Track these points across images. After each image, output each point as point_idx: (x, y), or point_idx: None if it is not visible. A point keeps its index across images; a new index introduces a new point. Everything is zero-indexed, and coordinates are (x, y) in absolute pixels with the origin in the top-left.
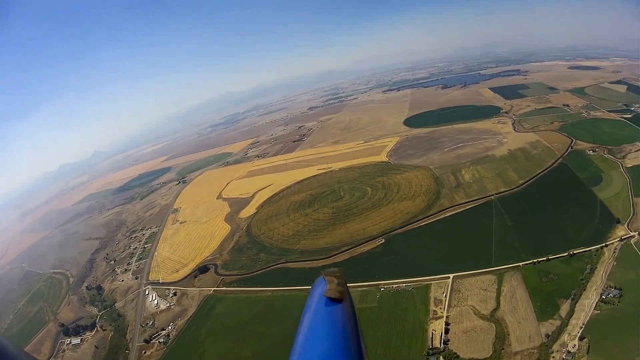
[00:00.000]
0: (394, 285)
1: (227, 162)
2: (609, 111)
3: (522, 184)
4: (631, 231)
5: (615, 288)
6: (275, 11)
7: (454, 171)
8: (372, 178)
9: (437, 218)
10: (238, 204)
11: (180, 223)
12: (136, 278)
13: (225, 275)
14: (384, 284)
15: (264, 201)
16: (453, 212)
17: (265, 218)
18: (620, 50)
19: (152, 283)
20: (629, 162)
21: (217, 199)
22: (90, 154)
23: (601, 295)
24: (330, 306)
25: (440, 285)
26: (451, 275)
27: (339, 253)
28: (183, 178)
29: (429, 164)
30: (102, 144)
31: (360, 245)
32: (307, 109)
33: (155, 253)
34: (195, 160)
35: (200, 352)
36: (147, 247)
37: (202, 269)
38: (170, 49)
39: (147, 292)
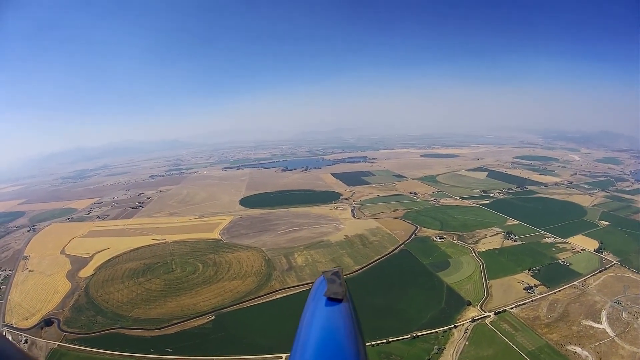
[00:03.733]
0: None
1: (72, 218)
2: (462, 198)
3: (358, 270)
4: (485, 312)
5: None
6: (129, 72)
7: (286, 254)
8: (204, 254)
9: (269, 299)
10: (79, 262)
11: (29, 271)
12: None
13: (67, 332)
14: None
15: (102, 264)
16: (285, 294)
17: (102, 281)
18: (485, 137)
19: (8, 326)
20: (482, 247)
21: (60, 253)
22: None
23: None
24: (330, 306)
25: None
26: (284, 355)
27: (170, 325)
28: (34, 226)
29: (261, 245)
30: None
31: (190, 319)
32: (149, 177)
33: (9, 297)
34: (45, 209)
35: None
36: (2, 288)
37: (47, 322)
38: (31, 89)
39: (4, 334)
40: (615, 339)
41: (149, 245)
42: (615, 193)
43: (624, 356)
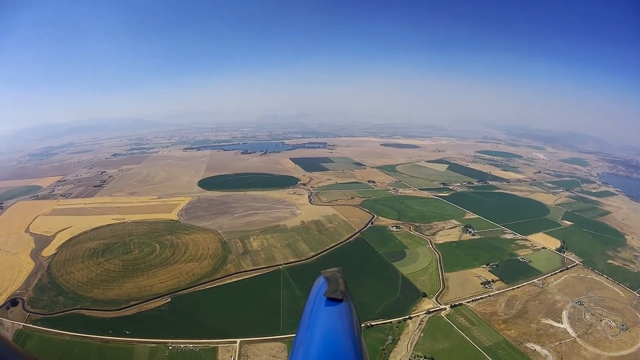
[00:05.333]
0: (182, 345)
1: (37, 195)
2: (420, 189)
3: (313, 256)
4: (441, 304)
5: (425, 357)
6: (96, 51)
7: (242, 238)
8: (162, 235)
9: (224, 282)
10: (42, 241)
11: None
12: None
13: (32, 312)
14: (172, 343)
15: (64, 243)
16: (240, 278)
17: (64, 260)
18: (449, 130)
19: None
20: (440, 239)
21: (25, 232)
22: None
23: None
24: (330, 306)
25: (228, 349)
26: (238, 340)
27: (128, 307)
28: (1, 203)
29: (217, 228)
30: None
31: (147, 301)
32: (112, 155)
33: None
34: (12, 187)
35: None
36: None
37: (13, 302)
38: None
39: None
40: (577, 339)
41: (108, 225)
42: (580, 194)
43: (587, 358)
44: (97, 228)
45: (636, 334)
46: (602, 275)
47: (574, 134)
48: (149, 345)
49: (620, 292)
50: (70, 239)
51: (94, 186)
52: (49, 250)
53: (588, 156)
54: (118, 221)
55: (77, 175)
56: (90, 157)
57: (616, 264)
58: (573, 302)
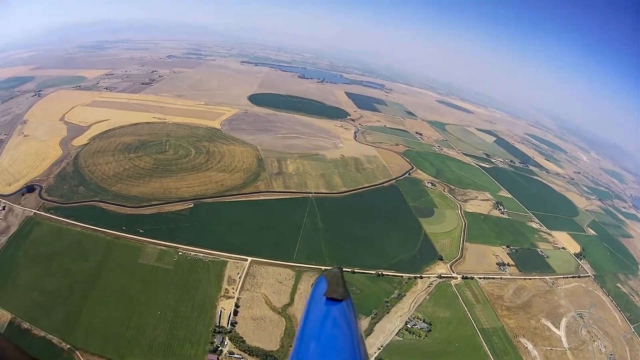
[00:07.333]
0: (192, 253)
1: (80, 86)
2: (464, 154)
3: (345, 192)
4: (454, 272)
5: (424, 321)
6: None
7: (279, 158)
8: (199, 141)
9: (250, 199)
10: (75, 130)
11: (24, 136)
12: None
13: (47, 200)
14: (183, 249)
15: (98, 134)
16: (267, 197)
17: (94, 151)
18: (502, 103)
19: None
20: (470, 208)
21: (59, 120)
22: None
23: (406, 324)
24: (330, 306)
25: (237, 266)
26: (249, 259)
27: (148, 206)
28: (40, 91)
29: (257, 144)
30: None
31: (169, 203)
32: (166, 56)
33: None
34: (55, 76)
35: (15, 275)
36: None
37: (30, 188)
38: None
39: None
40: (568, 352)
41: (148, 123)
42: (610, 208)
43: None
44: (135, 124)
45: None
46: (608, 296)
47: (619, 147)
48: (159, 247)
49: (619, 320)
50: (106, 131)
51: (142, 83)
52: (80, 140)
53: (627, 175)
54: (158, 120)
55: (126, 71)
56: (143, 55)
57: (623, 290)
58: (575, 312)
